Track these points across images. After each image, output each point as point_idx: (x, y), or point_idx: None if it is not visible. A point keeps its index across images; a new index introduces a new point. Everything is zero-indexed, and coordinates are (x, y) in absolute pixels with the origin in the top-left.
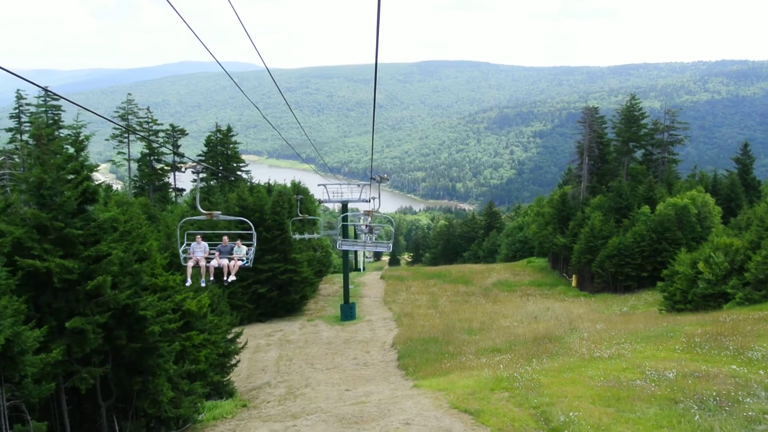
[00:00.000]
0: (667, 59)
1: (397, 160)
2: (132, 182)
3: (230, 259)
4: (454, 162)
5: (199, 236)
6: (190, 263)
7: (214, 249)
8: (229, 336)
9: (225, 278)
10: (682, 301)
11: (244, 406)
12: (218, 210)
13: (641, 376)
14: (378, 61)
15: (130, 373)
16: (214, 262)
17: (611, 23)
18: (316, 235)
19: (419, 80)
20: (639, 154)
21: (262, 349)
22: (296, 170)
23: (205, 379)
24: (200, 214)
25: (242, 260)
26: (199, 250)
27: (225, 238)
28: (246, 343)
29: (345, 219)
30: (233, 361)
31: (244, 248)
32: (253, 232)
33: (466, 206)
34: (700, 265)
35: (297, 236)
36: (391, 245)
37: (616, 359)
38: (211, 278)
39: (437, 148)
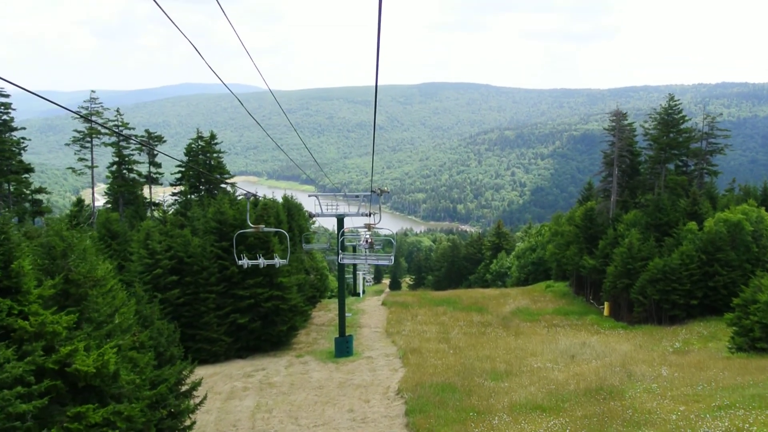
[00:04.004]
0: (667, 82)
1: (397, 181)
2: (106, 194)
3: None
4: (455, 183)
5: None
6: None
7: None
8: (182, 388)
9: None
10: (765, 338)
11: None
12: None
13: None
14: (378, 82)
15: None
16: None
17: (611, 46)
18: (279, 261)
19: (420, 102)
20: (671, 166)
21: (237, 395)
22: (296, 191)
23: None
24: None
25: None
26: None
27: None
28: (205, 399)
29: (341, 226)
30: (188, 422)
31: None
32: None
33: (468, 228)
34: None
35: (245, 262)
36: (392, 257)
37: None
38: None
39: (438, 170)
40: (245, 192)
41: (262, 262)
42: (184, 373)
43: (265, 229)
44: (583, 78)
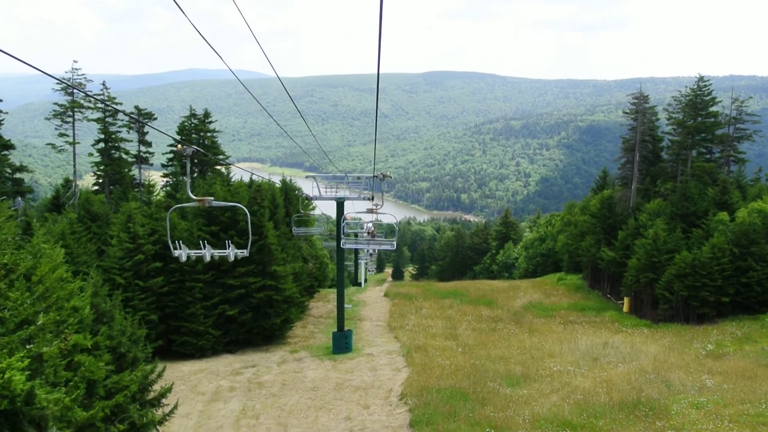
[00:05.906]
0: (674, 74)
1: (401, 170)
2: (96, 175)
3: None
4: (459, 173)
5: None
6: None
7: None
8: (149, 396)
9: None
10: None
11: None
12: None
13: None
14: (382, 71)
15: None
16: None
17: (619, 37)
18: (235, 252)
19: (425, 91)
20: (693, 152)
21: (222, 396)
22: (298, 178)
23: None
24: None
25: None
26: None
27: None
28: (175, 408)
29: (341, 211)
30: None
31: None
32: None
33: (471, 217)
34: None
35: (183, 253)
36: (395, 243)
37: None
38: None
39: (442, 159)
40: (179, 141)
41: (207, 252)
42: (150, 377)
43: (213, 203)
44: (589, 68)
